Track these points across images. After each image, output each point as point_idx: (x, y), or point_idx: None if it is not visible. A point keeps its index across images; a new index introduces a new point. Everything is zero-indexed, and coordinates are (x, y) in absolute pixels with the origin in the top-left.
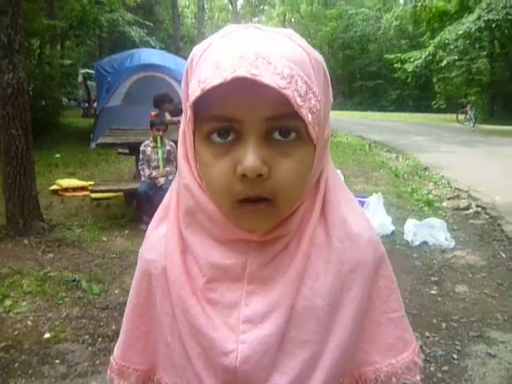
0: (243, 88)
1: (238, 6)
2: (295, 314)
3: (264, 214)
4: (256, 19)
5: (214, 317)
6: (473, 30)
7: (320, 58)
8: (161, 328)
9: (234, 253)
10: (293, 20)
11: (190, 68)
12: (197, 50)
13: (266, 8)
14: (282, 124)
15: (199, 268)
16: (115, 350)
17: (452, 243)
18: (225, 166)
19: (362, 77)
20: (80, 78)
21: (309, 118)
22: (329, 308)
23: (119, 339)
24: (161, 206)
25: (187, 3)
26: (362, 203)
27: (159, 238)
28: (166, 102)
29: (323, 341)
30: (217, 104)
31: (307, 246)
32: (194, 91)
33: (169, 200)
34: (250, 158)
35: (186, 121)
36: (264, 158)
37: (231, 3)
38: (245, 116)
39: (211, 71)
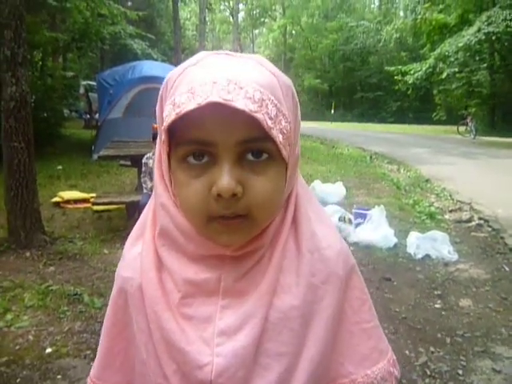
0: (216, 113)
1: (239, 19)
2: (269, 326)
3: (239, 228)
4: (257, 31)
5: (189, 331)
6: (473, 42)
7: (288, 81)
8: (137, 346)
9: (209, 268)
10: (293, 32)
11: (165, 92)
12: (171, 74)
13: (266, 20)
14: (254, 145)
15: (174, 284)
16: (92, 369)
17: (455, 256)
18: (200, 186)
19: (362, 88)
20: (82, 90)
21: (280, 138)
22: (302, 319)
23: (96, 358)
24: (137, 224)
25: (189, 16)
26: (365, 215)
27: (135, 255)
28: None
29: (298, 353)
30: (192, 128)
31: (279, 259)
32: (169, 115)
33: (145, 218)
34: (225, 178)
35: (160, 143)
36: (238, 178)
37: (232, 16)
38: (219, 139)
39: (185, 96)
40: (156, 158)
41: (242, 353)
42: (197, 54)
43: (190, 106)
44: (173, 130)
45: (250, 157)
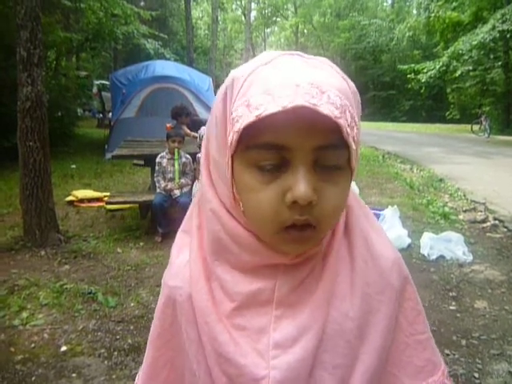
0: (298, 117)
1: (251, 18)
2: (325, 338)
3: (307, 239)
4: (268, 30)
5: (243, 343)
6: (487, 40)
7: (355, 87)
8: (186, 355)
9: (262, 277)
10: (305, 31)
11: (231, 91)
12: (239, 73)
13: (278, 19)
14: (330, 153)
15: (225, 294)
16: (138, 378)
17: (470, 257)
18: (272, 193)
19: (374, 87)
20: (95, 89)
21: (353, 147)
22: (357, 331)
23: (143, 367)
24: (182, 229)
25: (201, 15)
26: (378, 216)
27: (183, 264)
28: (183, 114)
29: (352, 365)
30: (268, 131)
31: (333, 268)
32: (244, 116)
33: (190, 222)
34: (302, 185)
35: (223, 145)
36: (314, 186)
37: (244, 15)
38: (297, 144)
39: (262, 98)
40: (202, 161)
41: (299, 366)
42: (262, 53)
43: (272, 108)
44: (242, 132)
45: (324, 163)
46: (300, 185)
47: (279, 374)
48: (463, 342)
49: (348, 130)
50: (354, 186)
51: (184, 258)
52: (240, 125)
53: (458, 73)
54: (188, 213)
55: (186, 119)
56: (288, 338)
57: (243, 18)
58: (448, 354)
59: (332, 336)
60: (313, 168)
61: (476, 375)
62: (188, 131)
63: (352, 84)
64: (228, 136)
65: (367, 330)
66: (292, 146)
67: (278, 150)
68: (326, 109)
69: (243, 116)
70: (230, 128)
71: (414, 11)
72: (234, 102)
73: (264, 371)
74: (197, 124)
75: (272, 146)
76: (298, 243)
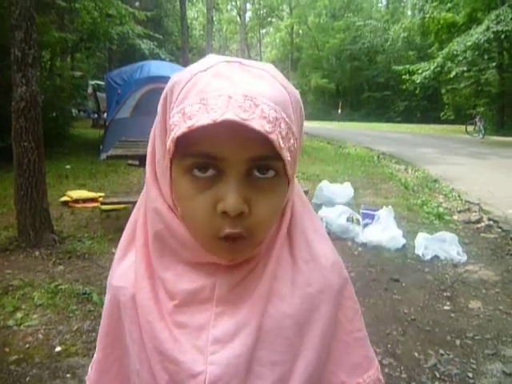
0: (231, 129)
1: (247, 19)
2: (263, 334)
3: (240, 249)
4: (264, 31)
5: (183, 340)
6: (482, 41)
7: (297, 94)
8: (130, 356)
9: (203, 276)
10: (300, 32)
11: (171, 96)
12: (179, 78)
13: (273, 20)
14: (263, 163)
15: (167, 292)
16: (90, 371)
17: (464, 257)
18: (205, 201)
19: (369, 88)
20: (90, 90)
21: (288, 157)
22: (296, 328)
23: (94, 361)
24: (126, 231)
25: (196, 15)
26: (373, 216)
27: (128, 264)
28: None
29: (292, 361)
30: (201, 142)
31: (274, 268)
32: (179, 125)
33: (134, 223)
34: (232, 196)
35: (161, 148)
36: (245, 196)
37: (239, 16)
38: (229, 155)
39: (197, 107)
40: (148, 158)
41: (236, 361)
42: (205, 57)
43: (204, 120)
44: (179, 140)
45: (256, 173)
46: (230, 196)
47: (218, 369)
48: (457, 342)
49: (281, 142)
50: (348, 186)
51: (130, 259)
52: (174, 134)
53: (453, 74)
54: (135, 209)
55: None
56: (226, 333)
57: (238, 19)
58: (442, 354)
59: (269, 333)
60: (246, 178)
61: (470, 375)
62: None
63: (295, 93)
64: (167, 142)
65: (307, 327)
66: (224, 157)
67: (212, 160)
68: (257, 123)
69: (178, 125)
70: (168, 134)
71: (409, 12)
72: (172, 109)
73: (202, 367)
74: None
75: (205, 155)
76: (231, 253)
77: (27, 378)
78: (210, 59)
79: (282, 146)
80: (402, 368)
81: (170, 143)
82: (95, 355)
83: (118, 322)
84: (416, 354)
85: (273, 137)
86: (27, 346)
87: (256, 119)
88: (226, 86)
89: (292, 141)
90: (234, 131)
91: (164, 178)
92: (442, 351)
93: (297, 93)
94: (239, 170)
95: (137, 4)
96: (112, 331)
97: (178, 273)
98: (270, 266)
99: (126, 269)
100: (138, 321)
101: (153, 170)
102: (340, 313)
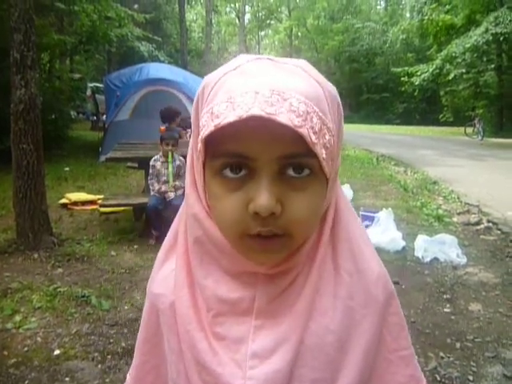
0: (258, 126)
1: (245, 21)
2: (304, 350)
3: (275, 248)
4: (263, 33)
5: (221, 352)
6: (480, 43)
7: (334, 91)
8: (169, 364)
9: (242, 286)
10: (299, 34)
11: (202, 97)
12: (209, 80)
13: (272, 22)
14: (295, 161)
15: (206, 302)
16: (128, 377)
17: (464, 260)
18: (236, 202)
19: (368, 90)
20: (89, 92)
21: (323, 154)
22: (338, 344)
23: (131, 370)
24: (169, 234)
25: (195, 18)
26: (372, 218)
27: (168, 271)
28: (174, 116)
29: (333, 379)
30: (230, 140)
31: (316, 279)
32: (207, 125)
33: (176, 228)
34: (264, 196)
35: (195, 151)
36: (277, 196)
37: (238, 18)
38: (259, 154)
39: (225, 106)
40: (188, 166)
41: (275, 377)
42: (236, 57)
43: (230, 117)
44: (209, 140)
45: (290, 172)
46: (261, 195)
47: None
48: (458, 345)
49: (313, 137)
50: (348, 189)
51: (169, 266)
52: (203, 134)
53: (452, 75)
54: (177, 216)
55: (177, 120)
56: (266, 348)
57: (237, 21)
58: (442, 357)
59: (311, 348)
60: (278, 177)
61: (470, 378)
62: (182, 133)
63: (331, 88)
64: (198, 144)
65: (349, 343)
66: (254, 156)
67: (242, 159)
68: (285, 117)
69: (206, 125)
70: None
71: (408, 14)
72: (202, 110)
73: (240, 381)
74: (188, 123)
75: (234, 154)
76: (265, 252)
77: (26, 382)
78: (240, 58)
79: (315, 141)
80: None
81: (199, 144)
82: (133, 362)
83: (157, 329)
84: (416, 357)
85: (303, 131)
86: (26, 349)
87: (284, 113)
88: (253, 83)
89: (328, 137)
90: (261, 128)
91: (200, 182)
92: (442, 354)
93: (333, 89)
94: (271, 168)
95: (136, 6)
96: (150, 339)
97: (217, 281)
98: (311, 279)
99: (166, 276)
100: (176, 329)
101: (192, 177)
102: (385, 329)
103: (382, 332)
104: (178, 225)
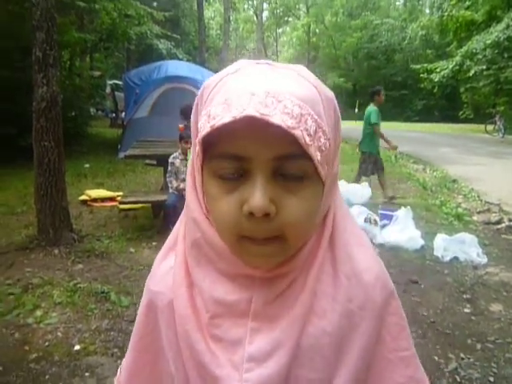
0: (253, 127)
1: (263, 18)
2: (300, 353)
3: (272, 251)
4: (280, 30)
5: (219, 353)
6: (501, 39)
7: (331, 94)
8: (166, 360)
9: (239, 288)
10: (317, 31)
11: (201, 101)
12: (208, 83)
13: (290, 19)
14: (290, 163)
15: (204, 303)
16: (120, 373)
17: (484, 259)
18: (232, 203)
19: (386, 87)
20: (108, 89)
21: (318, 157)
22: (335, 346)
23: (125, 363)
24: (170, 235)
25: (213, 15)
26: (391, 217)
27: (167, 269)
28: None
29: (329, 379)
30: (226, 141)
31: (313, 283)
32: (204, 127)
33: (177, 231)
34: (258, 196)
35: (194, 154)
36: (271, 197)
37: (256, 15)
38: (253, 154)
39: (221, 108)
40: (189, 169)
41: (271, 380)
42: (236, 61)
43: (225, 118)
44: (207, 142)
45: (285, 174)
46: (255, 196)
47: None
48: (478, 346)
49: (307, 139)
50: (366, 187)
51: (168, 264)
52: (200, 135)
53: (472, 72)
54: (179, 219)
55: None
56: (262, 351)
57: (255, 18)
58: (463, 358)
59: (307, 351)
60: (273, 178)
61: (491, 379)
62: None
63: (327, 93)
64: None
65: (346, 344)
66: (249, 156)
67: (237, 160)
68: (279, 119)
69: (203, 126)
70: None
71: (427, 10)
72: (201, 112)
73: (236, 383)
74: None
75: (230, 155)
76: (261, 256)
77: (46, 376)
78: (240, 62)
79: (309, 143)
80: None
81: (197, 145)
82: (126, 357)
83: (154, 327)
84: (436, 358)
85: (297, 133)
86: (47, 344)
87: (277, 114)
88: (249, 85)
89: (323, 140)
90: (256, 128)
91: (199, 184)
92: (462, 355)
93: (330, 93)
94: (265, 169)
95: (155, 4)
96: (147, 335)
97: (215, 283)
98: (309, 282)
99: (164, 274)
100: (175, 327)
101: (192, 179)
102: (384, 329)
103: (381, 332)
104: (178, 227)
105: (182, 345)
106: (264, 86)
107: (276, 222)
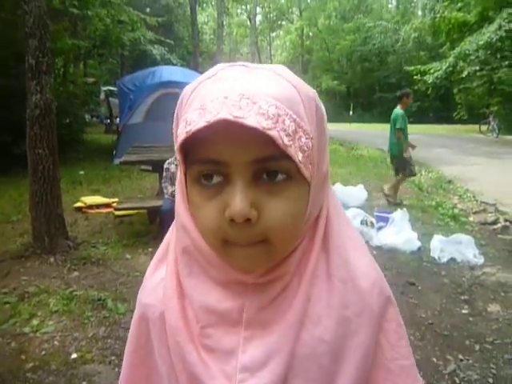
0: (228, 130)
1: (257, 22)
2: (296, 362)
3: (258, 255)
4: (274, 34)
5: (211, 364)
6: (494, 39)
7: (311, 93)
8: (159, 375)
9: (231, 296)
10: (311, 34)
11: (180, 109)
12: (186, 90)
13: (283, 23)
14: (270, 165)
15: (195, 312)
16: None
17: (481, 260)
18: (214, 209)
19: (380, 89)
20: (102, 96)
21: (299, 157)
22: (332, 355)
23: (120, 379)
24: (161, 245)
25: (206, 20)
26: (387, 219)
27: (157, 281)
28: None
29: None
30: (203, 147)
31: (307, 288)
32: (181, 133)
33: (169, 238)
34: (238, 202)
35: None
36: (253, 201)
37: (250, 19)
38: (231, 159)
39: (197, 113)
40: (178, 176)
41: None
42: (214, 66)
43: (200, 124)
44: (187, 149)
45: (265, 177)
46: (235, 201)
47: None
48: (477, 347)
49: (285, 139)
50: (362, 189)
51: (159, 275)
52: (177, 142)
53: (465, 73)
54: (170, 227)
55: None
56: (255, 361)
57: (248, 23)
58: (461, 360)
59: (303, 360)
60: (254, 181)
61: (490, 381)
62: None
63: (307, 90)
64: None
65: (343, 353)
66: (226, 161)
67: (215, 165)
68: (253, 120)
69: (181, 133)
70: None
71: (419, 12)
72: (179, 120)
73: None
74: None
75: (208, 161)
76: (248, 259)
77: None
78: (217, 67)
79: (288, 143)
80: (421, 374)
81: (177, 153)
82: (122, 373)
83: (147, 340)
84: (435, 360)
85: (273, 133)
86: (43, 352)
87: (252, 116)
88: (223, 88)
89: (304, 140)
90: (231, 132)
91: (184, 192)
92: (461, 356)
93: (311, 91)
94: (245, 173)
95: (148, 10)
96: (140, 349)
97: (206, 291)
98: (303, 287)
99: (155, 285)
100: (166, 340)
101: (181, 187)
102: (382, 336)
103: (380, 339)
104: (170, 235)
105: (174, 358)
106: (238, 89)
107: (259, 226)
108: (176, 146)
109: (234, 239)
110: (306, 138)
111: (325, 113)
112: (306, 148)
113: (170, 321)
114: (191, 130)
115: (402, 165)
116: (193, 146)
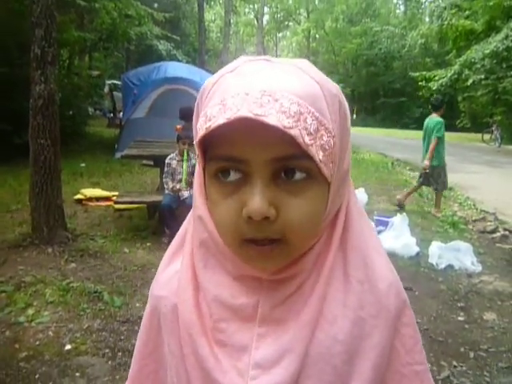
0: (249, 128)
1: (264, 22)
2: (309, 362)
3: (274, 253)
4: (280, 34)
5: (223, 359)
6: (500, 49)
7: (335, 89)
8: (168, 369)
9: (246, 291)
10: (317, 36)
11: (201, 102)
12: (207, 83)
13: (290, 24)
14: (290, 164)
15: (208, 306)
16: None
17: (479, 268)
18: (231, 206)
19: (385, 94)
20: (106, 89)
21: (319, 156)
22: (346, 356)
23: (130, 373)
24: (177, 236)
25: (213, 18)
26: (386, 223)
27: (172, 274)
28: (193, 116)
29: None
30: (223, 143)
31: (323, 287)
32: (201, 128)
33: (185, 229)
34: (256, 200)
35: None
36: (271, 200)
37: (257, 19)
38: (251, 157)
39: (217, 108)
40: (196, 168)
41: None
42: (237, 59)
43: (220, 120)
44: (207, 144)
45: (284, 176)
46: (254, 199)
47: None
48: (471, 354)
49: (306, 138)
50: (362, 193)
51: (173, 268)
52: (197, 138)
53: (470, 81)
54: (186, 218)
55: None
56: (268, 358)
57: (256, 22)
58: (456, 366)
59: (317, 360)
60: (273, 180)
61: None
62: None
63: (331, 87)
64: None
65: (358, 355)
66: (246, 159)
67: (235, 163)
68: (274, 119)
69: (201, 128)
70: None
71: (427, 19)
72: (200, 113)
73: None
74: None
75: (227, 158)
76: (263, 258)
77: (36, 376)
78: (238, 60)
79: (309, 142)
80: None
81: (196, 148)
82: (132, 365)
83: (158, 333)
84: (429, 365)
85: (294, 132)
86: (37, 342)
87: (273, 114)
88: (244, 84)
89: (326, 138)
90: (252, 130)
91: (202, 186)
92: (455, 363)
93: (334, 87)
94: (264, 171)
95: (155, 5)
96: (151, 343)
97: (221, 285)
98: (319, 286)
99: (170, 278)
100: (178, 333)
101: (199, 179)
102: (397, 340)
103: (395, 343)
104: (187, 226)
105: (185, 351)
106: (260, 85)
107: (277, 224)
108: (195, 141)
109: (250, 237)
110: (328, 137)
111: (348, 110)
112: (327, 147)
113: (183, 313)
114: (211, 126)
115: (438, 174)
116: (212, 142)
